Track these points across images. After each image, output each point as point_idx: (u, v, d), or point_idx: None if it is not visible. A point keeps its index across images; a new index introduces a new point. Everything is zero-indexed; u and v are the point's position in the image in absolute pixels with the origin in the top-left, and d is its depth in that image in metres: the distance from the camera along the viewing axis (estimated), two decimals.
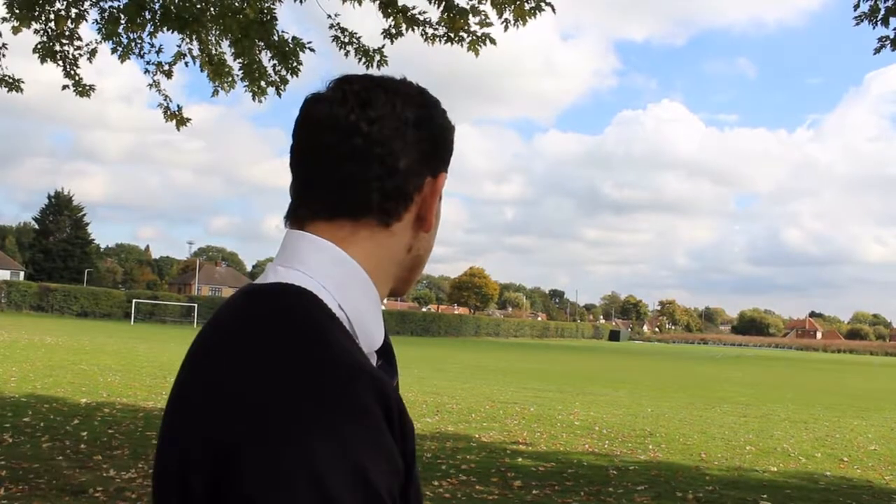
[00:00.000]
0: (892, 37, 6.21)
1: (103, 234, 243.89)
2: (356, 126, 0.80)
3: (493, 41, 6.83)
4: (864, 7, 6.16)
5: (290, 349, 0.69)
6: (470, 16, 6.72)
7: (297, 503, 0.63)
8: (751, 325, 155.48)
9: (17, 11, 6.95)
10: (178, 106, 7.85)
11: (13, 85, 7.68)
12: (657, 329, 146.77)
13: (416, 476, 0.75)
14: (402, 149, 0.82)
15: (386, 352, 0.87)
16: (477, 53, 6.84)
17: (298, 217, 0.83)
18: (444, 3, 6.72)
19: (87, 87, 7.76)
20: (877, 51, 6.29)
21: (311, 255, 0.80)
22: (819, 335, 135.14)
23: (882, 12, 6.06)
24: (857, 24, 6.20)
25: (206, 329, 0.77)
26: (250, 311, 0.75)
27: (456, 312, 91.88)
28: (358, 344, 0.76)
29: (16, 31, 7.04)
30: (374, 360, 0.83)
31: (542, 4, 6.52)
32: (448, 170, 0.90)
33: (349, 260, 0.81)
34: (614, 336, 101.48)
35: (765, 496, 6.63)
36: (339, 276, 0.80)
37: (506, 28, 6.67)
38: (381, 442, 0.68)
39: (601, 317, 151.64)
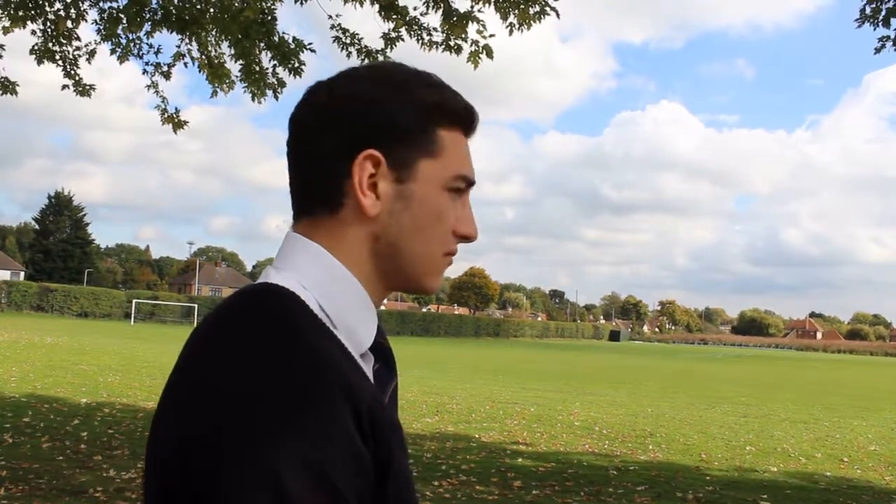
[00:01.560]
0: (892, 36, 6.20)
1: (104, 235, 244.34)
2: (297, 121, 0.83)
3: (490, 56, 6.85)
4: (867, 9, 6.16)
5: (259, 349, 0.69)
6: (469, 23, 6.73)
7: (255, 502, 0.62)
8: (751, 326, 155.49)
9: (12, 12, 6.93)
10: (175, 109, 7.85)
11: (8, 87, 7.65)
12: (657, 329, 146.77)
13: (398, 478, 0.72)
14: (322, 133, 0.80)
15: (383, 353, 0.85)
16: (476, 65, 6.87)
17: (294, 217, 0.85)
18: (443, 6, 6.74)
19: (88, 87, 7.75)
20: (877, 50, 6.27)
21: (293, 254, 0.81)
22: (819, 335, 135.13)
23: (883, 13, 6.05)
24: (860, 25, 6.20)
25: (195, 329, 0.78)
26: (229, 313, 0.75)
27: (456, 312, 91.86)
28: (341, 344, 0.75)
29: (6, 31, 7.02)
30: (370, 363, 0.81)
31: (547, 9, 6.54)
32: (396, 146, 0.80)
33: (326, 257, 0.80)
34: (614, 336, 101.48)
35: (765, 496, 6.63)
36: (317, 274, 0.79)
37: (510, 32, 6.69)
38: (346, 443, 0.66)
39: (601, 317, 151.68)
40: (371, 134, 0.80)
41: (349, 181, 0.79)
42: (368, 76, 0.82)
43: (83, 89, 7.72)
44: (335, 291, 0.79)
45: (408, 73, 0.83)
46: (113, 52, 7.44)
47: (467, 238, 0.86)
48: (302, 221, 0.83)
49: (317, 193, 0.81)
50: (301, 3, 7.05)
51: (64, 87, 7.64)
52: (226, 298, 0.79)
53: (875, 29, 6.11)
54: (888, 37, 6.21)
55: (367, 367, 0.80)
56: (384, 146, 0.80)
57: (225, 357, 0.69)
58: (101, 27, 7.27)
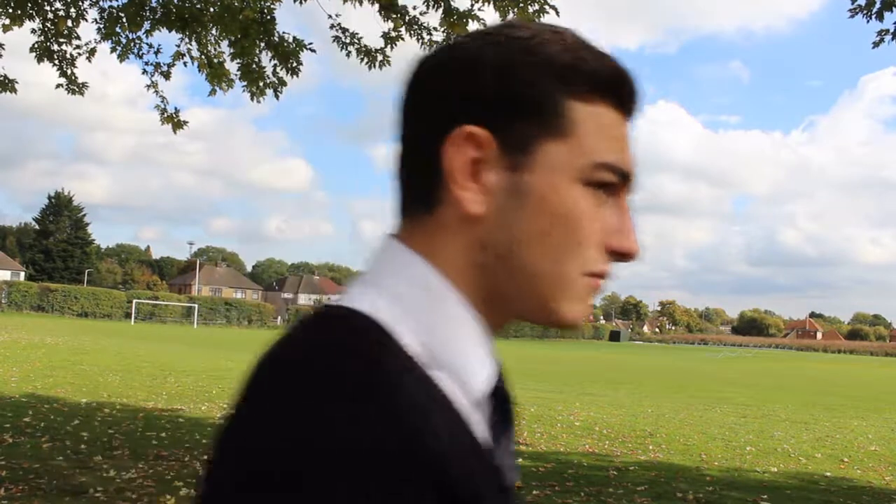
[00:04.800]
0: (892, 30, 6.12)
1: (106, 235, 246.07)
2: (405, 85, 0.66)
3: None
4: (861, 0, 6.07)
5: (314, 409, 0.49)
6: (469, 22, 6.73)
7: None
8: (751, 326, 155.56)
9: (11, 10, 6.93)
10: (175, 109, 7.85)
11: (7, 85, 7.65)
12: (657, 330, 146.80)
13: None
14: (421, 103, 0.62)
15: (501, 397, 0.65)
16: None
17: (398, 217, 0.67)
18: (443, 4, 6.74)
19: (81, 86, 7.73)
20: (875, 44, 6.17)
21: (384, 266, 0.61)
22: (819, 336, 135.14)
23: (877, 5, 5.97)
24: (852, 16, 6.10)
25: (259, 357, 0.59)
26: (289, 347, 0.56)
27: None
28: (442, 397, 0.54)
29: (6, 29, 7.02)
30: (486, 411, 0.61)
31: (546, 7, 6.54)
32: (510, 122, 0.59)
33: (424, 272, 0.60)
34: (614, 336, 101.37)
35: (765, 497, 6.62)
36: (412, 296, 0.58)
37: None
38: None
39: (601, 317, 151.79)
40: (476, 103, 0.59)
41: (446, 164, 0.60)
42: (491, 33, 0.62)
43: (77, 88, 7.71)
44: (437, 320, 0.58)
45: (537, 28, 0.62)
46: (113, 51, 7.44)
47: (625, 256, 0.62)
48: (401, 222, 0.63)
49: (414, 183, 0.62)
50: (300, 3, 7.05)
51: (58, 85, 7.64)
52: (298, 319, 0.60)
53: (868, 21, 6.02)
54: (887, 30, 6.12)
55: (482, 418, 0.59)
56: (494, 121, 0.59)
57: (267, 414, 0.50)
58: (101, 26, 7.28)
